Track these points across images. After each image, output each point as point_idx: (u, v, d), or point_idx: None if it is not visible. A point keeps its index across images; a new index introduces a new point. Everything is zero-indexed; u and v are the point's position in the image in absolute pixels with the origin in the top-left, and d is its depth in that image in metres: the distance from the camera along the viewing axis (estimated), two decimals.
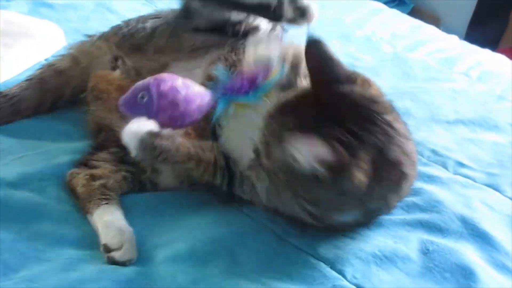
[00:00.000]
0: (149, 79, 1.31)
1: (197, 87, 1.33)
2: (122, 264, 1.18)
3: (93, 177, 1.34)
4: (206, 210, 1.33)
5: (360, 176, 1.05)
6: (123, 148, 1.37)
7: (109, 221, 1.24)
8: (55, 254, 1.20)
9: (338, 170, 1.03)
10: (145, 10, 2.25)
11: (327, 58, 1.14)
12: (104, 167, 1.37)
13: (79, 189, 1.31)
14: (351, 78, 1.14)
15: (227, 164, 1.30)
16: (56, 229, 1.25)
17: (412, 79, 1.98)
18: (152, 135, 1.21)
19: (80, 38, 1.97)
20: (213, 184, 1.30)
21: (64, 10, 2.16)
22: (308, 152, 1.02)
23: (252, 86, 1.29)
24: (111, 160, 1.39)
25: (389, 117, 1.11)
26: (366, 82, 1.16)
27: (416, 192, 1.41)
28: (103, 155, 1.40)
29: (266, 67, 1.29)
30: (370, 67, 2.01)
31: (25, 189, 1.33)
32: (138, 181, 1.38)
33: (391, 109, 1.16)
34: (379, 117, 1.09)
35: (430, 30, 2.38)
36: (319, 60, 1.14)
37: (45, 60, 1.85)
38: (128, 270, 1.17)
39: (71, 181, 1.34)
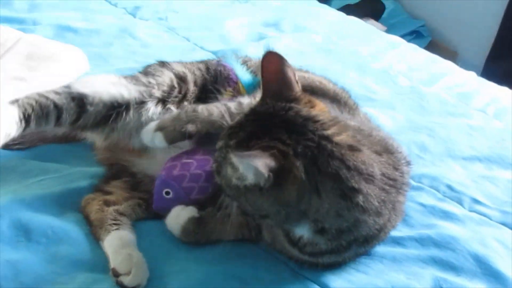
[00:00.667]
0: (160, 175, 1.36)
1: (200, 149, 1.38)
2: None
3: (107, 203, 1.36)
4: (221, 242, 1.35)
5: (296, 174, 1.08)
6: (135, 177, 1.43)
7: (119, 246, 1.26)
8: (70, 277, 1.22)
9: (278, 172, 1.07)
10: (167, 37, 2.31)
11: (280, 73, 1.18)
12: (118, 193, 1.40)
13: (92, 216, 1.34)
14: (296, 97, 1.18)
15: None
16: (72, 252, 1.27)
17: (428, 113, 1.99)
18: (192, 221, 1.29)
19: (102, 63, 2.02)
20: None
21: (88, 35, 2.20)
22: (249, 163, 1.06)
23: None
24: (124, 188, 1.42)
25: (327, 132, 1.12)
26: (309, 103, 1.18)
27: (431, 227, 1.41)
28: (116, 183, 1.43)
29: None
30: (386, 100, 2.02)
31: (45, 212, 1.35)
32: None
33: (334, 124, 1.16)
34: (312, 133, 1.11)
35: (447, 64, 2.39)
36: (273, 74, 1.18)
37: None
38: None
39: (86, 207, 1.37)
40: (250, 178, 1.09)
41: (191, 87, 1.49)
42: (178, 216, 1.31)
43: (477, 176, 1.66)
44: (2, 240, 1.26)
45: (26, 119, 1.35)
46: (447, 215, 1.47)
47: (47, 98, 1.39)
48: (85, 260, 1.26)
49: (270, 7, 2.71)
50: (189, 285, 1.22)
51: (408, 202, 1.34)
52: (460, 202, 1.54)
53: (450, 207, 1.50)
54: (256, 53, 1.66)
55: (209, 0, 2.69)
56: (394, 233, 1.38)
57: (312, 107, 1.18)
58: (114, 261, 1.23)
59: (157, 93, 1.45)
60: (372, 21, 3.75)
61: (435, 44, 3.89)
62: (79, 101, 1.40)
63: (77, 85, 1.43)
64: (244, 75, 1.52)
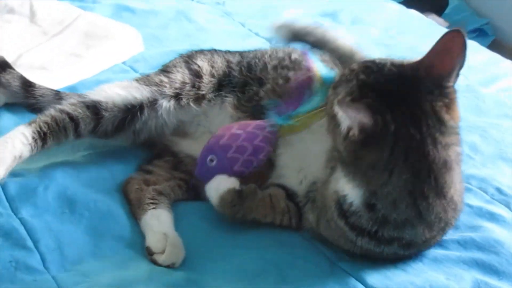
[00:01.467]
0: (207, 142, 1.37)
1: (253, 123, 1.38)
2: (166, 267, 1.21)
3: (146, 182, 1.39)
4: (260, 227, 1.34)
5: (383, 149, 1.09)
6: (176, 156, 1.44)
7: (155, 225, 1.28)
8: (112, 251, 1.25)
9: (368, 134, 1.09)
10: (223, 21, 2.32)
11: (454, 58, 1.13)
12: (158, 173, 1.42)
13: (131, 195, 1.36)
14: (446, 90, 1.14)
15: (295, 206, 1.33)
16: (114, 227, 1.30)
17: (483, 114, 1.93)
18: (231, 192, 1.28)
19: (157, 44, 2.05)
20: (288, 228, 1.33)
21: (145, 16, 2.23)
22: (348, 112, 1.08)
23: (296, 105, 1.34)
24: (165, 167, 1.44)
25: (440, 139, 1.11)
26: (449, 105, 1.14)
27: (476, 229, 1.38)
28: (158, 162, 1.46)
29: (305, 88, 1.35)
30: None
31: (90, 186, 1.39)
32: (193, 188, 1.42)
33: (452, 135, 1.14)
34: (426, 128, 1.10)
35: (508, 65, 2.31)
36: (448, 55, 1.13)
37: (123, 63, 1.92)
38: (178, 276, 1.20)
39: (126, 186, 1.39)
40: (343, 126, 1.11)
41: (206, 80, 1.50)
42: (219, 185, 1.30)
43: None
44: (48, 211, 1.30)
45: (42, 137, 1.37)
46: (493, 218, 1.42)
47: (61, 111, 1.41)
48: (126, 236, 1.29)
49: None
50: (226, 269, 1.23)
51: None
52: (508, 206, 1.49)
53: (498, 209, 1.46)
54: None
55: None
56: None
57: (448, 109, 1.14)
58: (149, 240, 1.25)
59: (169, 91, 1.47)
60: (434, 16, 3.66)
61: (499, 44, 3.77)
62: (94, 108, 1.43)
63: (90, 94, 1.46)
64: (321, 67, 1.50)
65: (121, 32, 2.00)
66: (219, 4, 2.44)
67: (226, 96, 1.49)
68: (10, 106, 1.64)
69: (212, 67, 1.52)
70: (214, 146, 1.35)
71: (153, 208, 1.31)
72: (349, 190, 1.19)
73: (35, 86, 1.62)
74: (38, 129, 1.38)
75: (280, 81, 1.47)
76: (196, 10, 2.35)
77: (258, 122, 1.39)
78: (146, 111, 1.45)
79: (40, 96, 1.60)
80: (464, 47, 1.12)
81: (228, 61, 1.54)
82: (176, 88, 1.48)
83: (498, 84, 2.13)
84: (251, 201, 1.29)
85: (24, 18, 2.02)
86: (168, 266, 1.22)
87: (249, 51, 1.62)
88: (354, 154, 1.14)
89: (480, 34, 3.84)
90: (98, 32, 1.96)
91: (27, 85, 1.62)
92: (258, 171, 1.37)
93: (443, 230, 1.25)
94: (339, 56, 1.56)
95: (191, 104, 1.48)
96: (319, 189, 1.29)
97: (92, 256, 1.22)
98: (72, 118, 1.41)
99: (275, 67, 1.51)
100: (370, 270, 1.25)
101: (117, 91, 1.46)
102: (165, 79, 1.48)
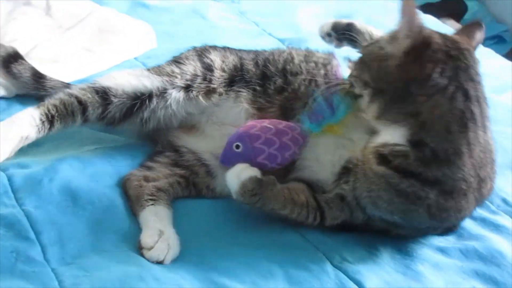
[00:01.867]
0: (238, 130, 1.38)
1: (285, 122, 1.39)
2: (155, 263, 1.21)
3: (146, 179, 1.39)
4: (261, 226, 1.35)
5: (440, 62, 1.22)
6: (178, 152, 1.45)
7: (151, 221, 1.28)
8: (113, 246, 1.25)
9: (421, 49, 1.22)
10: (237, 20, 2.32)
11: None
12: (159, 170, 1.43)
13: (130, 191, 1.37)
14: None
15: (315, 200, 1.33)
16: (115, 222, 1.31)
17: (494, 122, 1.89)
18: (252, 181, 1.27)
19: (169, 41, 2.05)
20: (303, 223, 1.33)
21: (159, 12, 2.24)
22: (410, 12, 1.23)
23: (333, 108, 1.36)
24: (166, 163, 1.45)
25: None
26: None
27: (479, 238, 1.37)
28: (159, 158, 1.46)
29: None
30: None
31: (95, 181, 1.40)
32: (193, 185, 1.43)
33: None
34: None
35: None
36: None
37: (134, 59, 1.93)
38: (178, 272, 1.20)
39: (126, 182, 1.40)
40: (403, 31, 1.22)
41: (217, 74, 1.50)
42: (241, 171, 1.29)
43: None
44: (52, 203, 1.31)
45: (50, 120, 1.39)
46: (497, 229, 1.41)
47: (70, 95, 1.43)
48: (127, 231, 1.30)
49: None
50: (231, 267, 1.23)
51: None
52: None
53: (503, 220, 1.45)
54: (323, 45, 1.66)
55: None
56: (439, 242, 1.36)
57: None
58: (142, 235, 1.26)
59: (180, 82, 1.48)
60: (452, 21, 3.63)
61: None
62: (103, 93, 1.44)
63: (100, 80, 1.47)
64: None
65: (134, 28, 2.02)
66: (234, 2, 2.45)
67: (240, 91, 1.49)
68: (20, 98, 1.66)
69: (223, 62, 1.52)
70: (243, 133, 1.36)
71: (152, 204, 1.32)
72: (391, 134, 1.25)
73: (45, 77, 1.64)
74: (46, 112, 1.39)
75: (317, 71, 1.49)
76: (211, 7, 2.36)
77: (290, 123, 1.40)
78: (155, 100, 1.46)
79: (50, 87, 1.62)
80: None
81: (240, 58, 1.54)
82: (187, 80, 1.48)
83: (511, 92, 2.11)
84: (271, 191, 1.28)
85: (40, 10, 2.04)
86: (156, 262, 1.22)
87: (264, 50, 1.62)
88: (407, 74, 1.22)
89: (499, 40, 3.81)
90: (111, 27, 1.97)
91: (37, 77, 1.63)
92: (277, 170, 1.37)
93: (478, 193, 1.30)
94: None
95: (200, 97, 1.48)
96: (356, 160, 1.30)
97: (92, 250, 1.23)
98: (80, 102, 1.42)
99: (306, 57, 1.53)
100: (370, 274, 1.26)
101: (127, 79, 1.47)
102: (176, 70, 1.49)
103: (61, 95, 1.44)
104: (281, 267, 1.24)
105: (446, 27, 2.65)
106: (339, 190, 1.31)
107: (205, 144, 1.47)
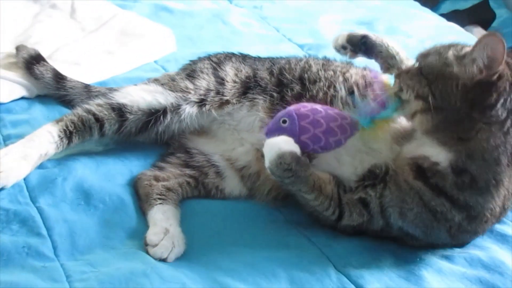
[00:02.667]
0: (289, 107, 1.38)
1: (337, 110, 1.39)
2: (158, 260, 1.25)
3: (156, 178, 1.43)
4: (267, 228, 1.39)
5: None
6: (189, 153, 1.49)
7: (158, 219, 1.32)
8: (121, 243, 1.30)
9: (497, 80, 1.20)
10: (258, 25, 2.35)
11: None
12: (169, 170, 1.47)
13: (140, 190, 1.41)
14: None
15: (338, 196, 1.34)
16: (125, 220, 1.35)
17: None
18: (292, 155, 1.27)
19: (190, 45, 2.09)
20: (321, 214, 1.34)
21: (181, 17, 2.28)
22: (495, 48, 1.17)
23: (382, 106, 1.36)
24: (176, 164, 1.49)
25: None
26: None
27: (484, 249, 1.37)
28: (170, 159, 1.50)
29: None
30: None
31: (107, 180, 1.44)
32: (203, 185, 1.46)
33: None
34: None
35: None
36: None
37: (155, 62, 1.97)
38: (183, 270, 1.23)
39: (137, 181, 1.44)
40: (480, 63, 1.18)
41: (229, 86, 1.52)
42: (283, 143, 1.28)
43: None
44: (64, 201, 1.36)
45: (68, 136, 1.44)
46: (504, 239, 1.41)
47: (88, 111, 1.47)
48: (136, 230, 1.34)
49: (368, 6, 2.68)
50: (235, 266, 1.26)
51: None
52: None
53: (509, 230, 1.44)
54: None
55: None
56: (444, 250, 1.36)
57: None
58: (148, 232, 1.29)
59: (193, 97, 1.51)
60: (480, 29, 3.60)
61: None
62: (119, 110, 1.48)
63: (117, 96, 1.51)
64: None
65: (155, 31, 2.06)
66: (256, 8, 2.48)
67: (256, 98, 1.51)
68: (41, 98, 1.71)
69: (236, 74, 1.55)
70: (292, 110, 1.36)
71: (160, 203, 1.36)
72: (435, 152, 1.25)
73: (66, 78, 1.69)
74: (65, 128, 1.44)
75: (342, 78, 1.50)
76: (233, 13, 2.39)
77: (342, 112, 1.40)
78: (169, 116, 1.50)
79: (70, 88, 1.68)
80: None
81: (254, 68, 1.56)
82: (200, 95, 1.51)
83: None
84: (305, 172, 1.28)
85: (65, 13, 2.10)
86: (160, 260, 1.25)
87: (281, 58, 1.64)
88: (469, 96, 1.19)
89: None
90: (132, 31, 2.01)
91: (58, 78, 1.69)
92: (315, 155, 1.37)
93: (497, 220, 1.33)
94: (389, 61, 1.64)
95: (213, 111, 1.51)
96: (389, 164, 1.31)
97: (101, 247, 1.27)
98: (97, 119, 1.47)
99: (324, 65, 1.55)
100: (372, 279, 1.27)
101: (142, 95, 1.51)
102: (190, 86, 1.52)
103: (79, 110, 1.49)
104: (284, 268, 1.27)
105: (470, 35, 2.65)
106: (363, 195, 1.32)
107: (216, 147, 1.51)
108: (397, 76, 1.32)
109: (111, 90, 1.67)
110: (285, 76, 1.53)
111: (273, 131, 1.33)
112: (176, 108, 1.50)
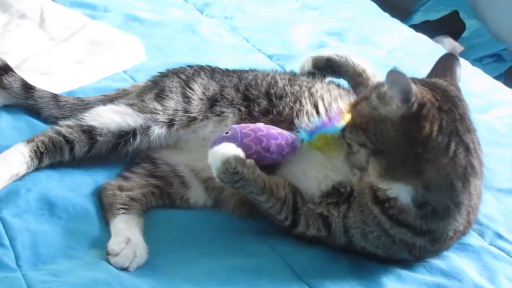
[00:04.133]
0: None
1: (279, 130, 1.42)
2: (119, 269, 1.26)
3: (121, 188, 1.45)
4: (232, 237, 1.41)
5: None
6: (154, 163, 1.51)
7: (120, 228, 1.34)
8: (84, 252, 1.31)
9: (420, 109, 1.22)
10: (228, 35, 2.37)
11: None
12: (134, 180, 1.48)
13: (104, 200, 1.43)
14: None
15: (294, 202, 1.36)
16: (89, 230, 1.36)
17: None
18: (236, 158, 1.29)
19: (160, 55, 2.10)
20: (275, 218, 1.37)
21: (152, 27, 2.29)
22: (405, 82, 1.21)
23: (330, 123, 1.41)
24: (141, 174, 1.50)
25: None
26: None
27: (443, 258, 1.40)
28: (135, 169, 1.52)
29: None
30: None
31: (72, 190, 1.46)
32: (167, 195, 1.48)
33: None
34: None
35: (509, 93, 2.31)
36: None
37: (124, 72, 1.98)
38: (145, 279, 1.25)
39: (101, 191, 1.45)
40: (396, 100, 1.21)
41: (195, 103, 1.55)
42: (226, 149, 1.30)
43: (507, 210, 1.61)
44: (28, 212, 1.37)
45: (39, 157, 1.47)
46: (463, 247, 1.43)
47: (58, 133, 1.50)
48: (100, 238, 1.35)
49: (339, 17, 2.71)
50: (195, 275, 1.28)
51: None
52: (481, 235, 1.50)
53: (469, 239, 1.47)
54: None
55: (281, 5, 2.72)
56: None
57: None
58: (110, 242, 1.30)
59: (162, 118, 1.53)
60: (450, 39, 3.65)
61: None
62: (89, 133, 1.50)
63: (87, 118, 1.53)
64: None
65: (124, 41, 2.07)
66: (227, 19, 2.49)
67: (224, 112, 1.53)
68: (8, 108, 1.71)
69: (204, 92, 1.57)
70: (236, 127, 1.38)
71: (123, 213, 1.37)
72: (393, 187, 1.27)
73: (34, 88, 1.70)
74: (35, 148, 1.46)
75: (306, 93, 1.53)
76: (203, 23, 2.40)
77: (286, 132, 1.42)
78: (138, 137, 1.52)
79: (39, 98, 1.69)
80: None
81: (222, 85, 1.59)
82: (169, 115, 1.53)
83: (494, 112, 2.13)
84: (252, 174, 1.30)
85: (34, 23, 2.10)
86: (121, 269, 1.26)
87: (251, 71, 1.67)
88: (407, 135, 1.22)
89: (498, 59, 3.81)
90: (102, 41, 2.02)
91: (27, 87, 1.70)
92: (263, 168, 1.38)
93: (462, 234, 1.36)
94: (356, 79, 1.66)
95: (181, 130, 1.53)
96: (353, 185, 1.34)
97: (64, 257, 1.28)
98: (68, 141, 1.49)
99: (290, 80, 1.57)
100: (333, 286, 1.29)
101: (112, 117, 1.53)
102: (159, 107, 1.54)
103: (49, 132, 1.50)
104: (246, 277, 1.29)
105: (439, 46, 2.70)
106: (325, 212, 1.34)
107: (181, 157, 1.53)
108: (342, 137, 1.34)
109: (80, 101, 1.69)
110: (251, 92, 1.55)
111: (217, 143, 1.36)
112: (146, 130, 1.52)
